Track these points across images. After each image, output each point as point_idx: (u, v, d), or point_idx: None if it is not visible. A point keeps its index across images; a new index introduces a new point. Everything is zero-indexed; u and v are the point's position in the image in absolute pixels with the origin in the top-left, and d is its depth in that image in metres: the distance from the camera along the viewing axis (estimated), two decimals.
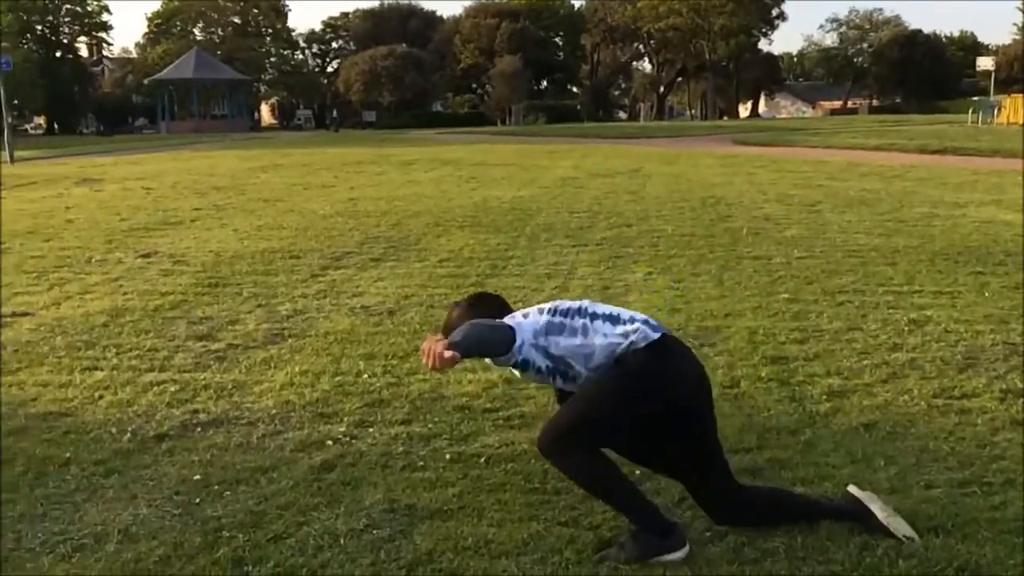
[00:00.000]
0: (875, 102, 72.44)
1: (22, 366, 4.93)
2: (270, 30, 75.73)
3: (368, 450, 3.66)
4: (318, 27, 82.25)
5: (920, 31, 70.83)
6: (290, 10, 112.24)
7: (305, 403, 4.23)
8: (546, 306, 2.90)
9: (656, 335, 2.80)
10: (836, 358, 4.78)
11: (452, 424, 3.93)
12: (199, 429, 3.94)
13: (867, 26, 74.40)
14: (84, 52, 71.63)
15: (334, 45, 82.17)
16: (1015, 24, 76.84)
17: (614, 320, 2.83)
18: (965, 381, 4.36)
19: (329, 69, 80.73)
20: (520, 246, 8.56)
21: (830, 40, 77.60)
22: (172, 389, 4.46)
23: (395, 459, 3.56)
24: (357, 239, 9.11)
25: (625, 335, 2.78)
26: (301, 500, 3.20)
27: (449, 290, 6.61)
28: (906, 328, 5.33)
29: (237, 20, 73.70)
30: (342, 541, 2.91)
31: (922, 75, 66.03)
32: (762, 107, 78.02)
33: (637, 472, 3.25)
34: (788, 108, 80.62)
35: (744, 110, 75.40)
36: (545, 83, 74.87)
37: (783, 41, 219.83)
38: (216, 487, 3.33)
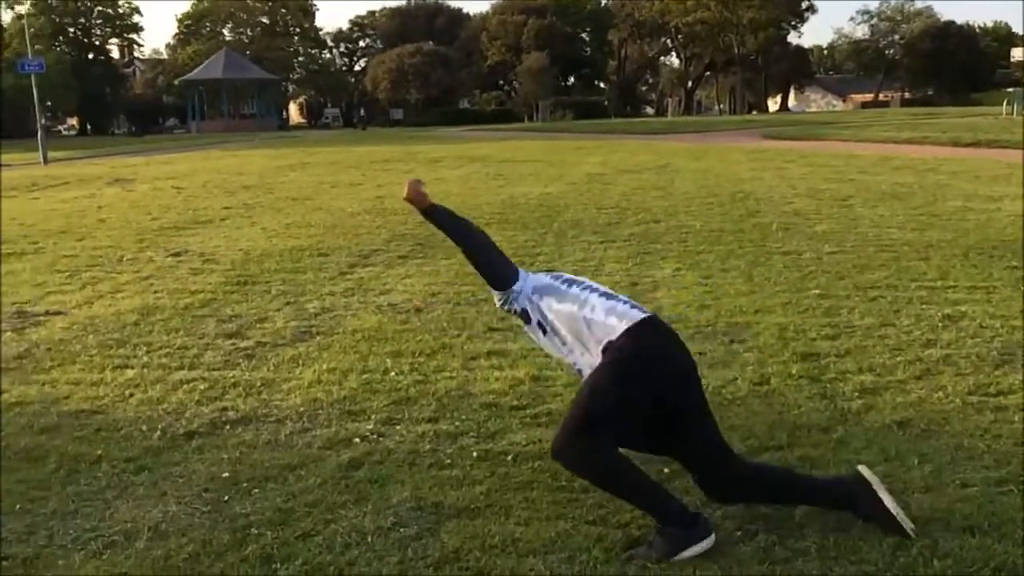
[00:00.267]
0: (907, 95, 71.41)
1: (55, 364, 4.99)
2: (298, 29, 76.18)
3: (395, 448, 3.66)
4: (345, 26, 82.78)
5: (953, 22, 69.73)
6: (318, 9, 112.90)
7: (333, 401, 4.24)
8: (552, 273, 3.17)
9: (642, 316, 2.89)
10: (868, 354, 4.71)
11: (479, 422, 3.92)
12: (228, 427, 3.96)
13: (898, 18, 73.35)
14: (115, 54, 72.56)
15: (361, 44, 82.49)
16: None
17: (608, 297, 2.96)
18: (1001, 377, 4.28)
19: (356, 68, 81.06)
20: (547, 243, 8.54)
21: (861, 32, 76.65)
22: (201, 387, 4.49)
23: (422, 457, 3.55)
24: (384, 237, 9.13)
25: (615, 312, 2.88)
26: (329, 498, 3.21)
27: (476, 288, 6.60)
28: (940, 324, 5.24)
29: (266, 20, 74.22)
30: (369, 539, 2.91)
31: (955, 67, 64.99)
32: (792, 101, 77.26)
33: (666, 470, 3.22)
34: (818, 102, 79.76)
35: (773, 104, 74.70)
36: (572, 79, 74.61)
37: (813, 34, 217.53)
38: (245, 484, 3.35)
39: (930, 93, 69.04)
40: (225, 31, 74.63)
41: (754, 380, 4.33)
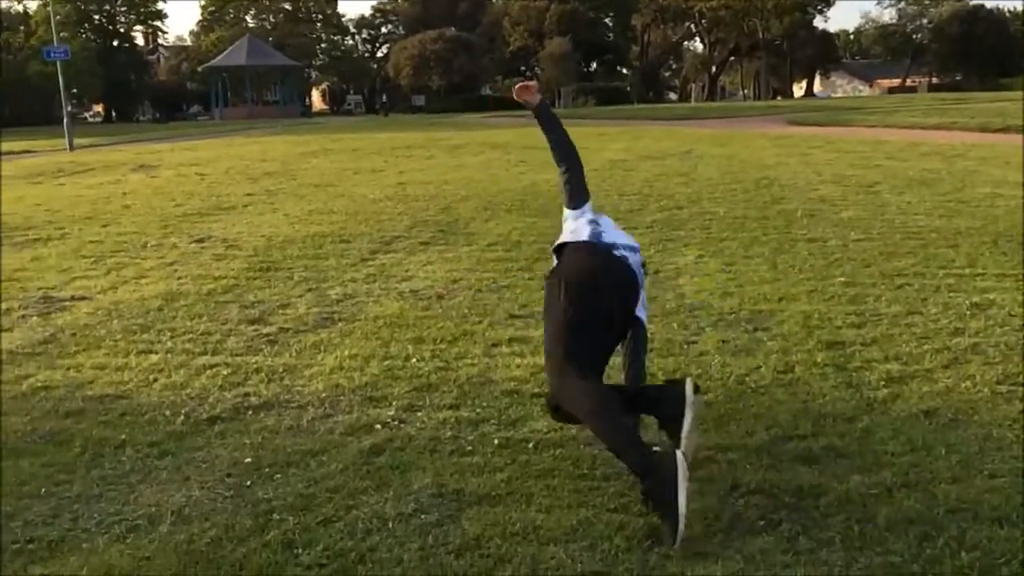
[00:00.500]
0: (935, 79, 70.51)
1: (80, 349, 5.03)
2: (321, 16, 76.40)
3: (416, 434, 3.66)
4: (367, 12, 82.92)
5: (982, 6, 68.65)
6: None
7: (354, 387, 4.25)
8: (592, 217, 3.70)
9: (574, 239, 3.38)
10: (895, 343, 4.65)
11: (500, 409, 3.91)
12: (250, 412, 3.97)
13: (927, 1, 72.34)
14: (140, 41, 73.21)
15: (383, 30, 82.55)
16: None
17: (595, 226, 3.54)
18: None
19: (379, 54, 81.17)
20: None
21: (888, 16, 75.84)
22: (224, 372, 4.51)
23: (443, 444, 3.55)
24: (406, 223, 9.13)
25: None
26: (350, 484, 3.21)
27: (497, 274, 6.59)
28: (968, 312, 5.16)
29: (288, 7, 74.45)
30: (390, 525, 2.91)
31: (984, 51, 64.03)
32: (817, 86, 76.45)
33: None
34: (844, 87, 78.94)
35: (798, 90, 73.94)
36: (595, 65, 74.18)
37: (839, 18, 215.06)
38: (267, 470, 3.36)
39: (958, 78, 68.08)
40: (248, 18, 74.95)
41: (778, 368, 4.29)
